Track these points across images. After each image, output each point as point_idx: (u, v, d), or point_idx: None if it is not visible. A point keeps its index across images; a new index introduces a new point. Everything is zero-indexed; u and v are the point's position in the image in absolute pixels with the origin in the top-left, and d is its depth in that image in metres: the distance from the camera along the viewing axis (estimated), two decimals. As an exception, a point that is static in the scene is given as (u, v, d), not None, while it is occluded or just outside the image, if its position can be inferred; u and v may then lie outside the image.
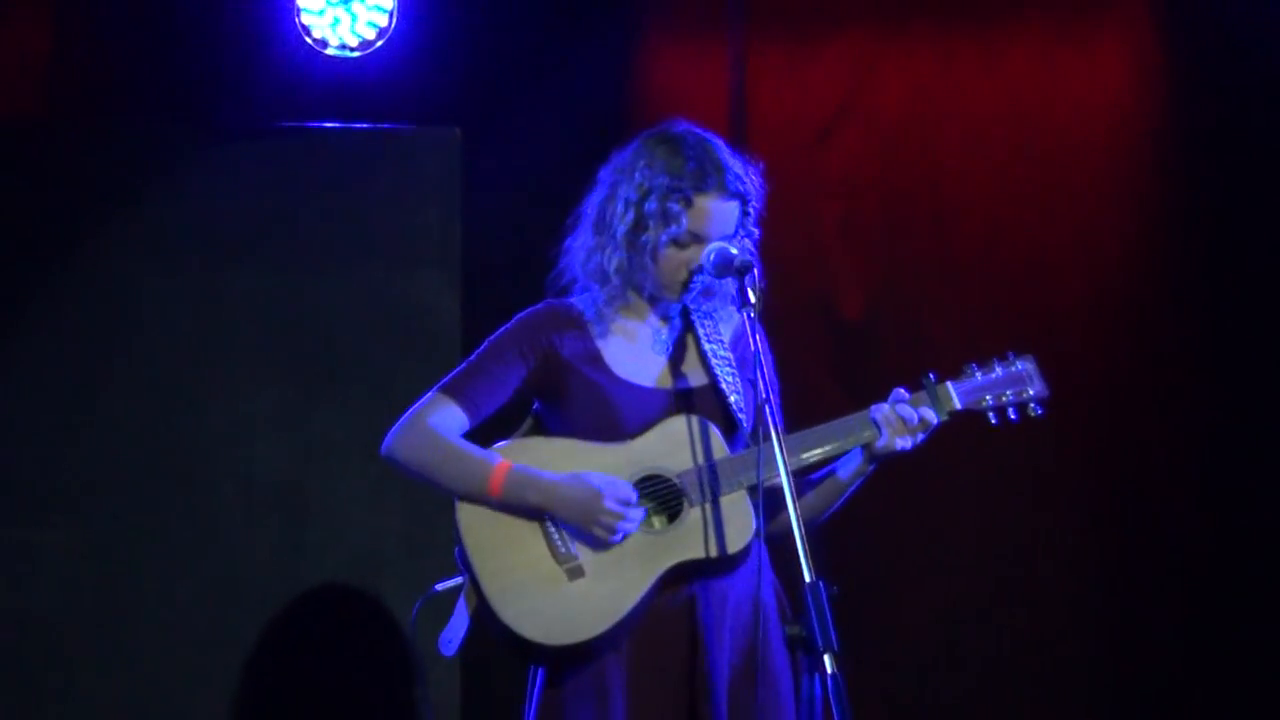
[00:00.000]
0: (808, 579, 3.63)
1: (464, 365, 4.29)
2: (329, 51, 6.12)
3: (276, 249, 5.91)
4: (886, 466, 4.21)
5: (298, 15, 6.10)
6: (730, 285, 4.18)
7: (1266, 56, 6.37)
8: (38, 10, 6.14)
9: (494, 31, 6.26)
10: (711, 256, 4.09)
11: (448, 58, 6.22)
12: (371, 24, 6.14)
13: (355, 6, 6.12)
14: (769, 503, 4.03)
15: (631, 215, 4.18)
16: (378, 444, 5.76)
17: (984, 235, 6.46)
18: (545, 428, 4.30)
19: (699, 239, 4.15)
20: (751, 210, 4.23)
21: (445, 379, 4.28)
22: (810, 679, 3.92)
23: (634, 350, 4.26)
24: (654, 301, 4.27)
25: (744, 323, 3.98)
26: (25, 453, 5.78)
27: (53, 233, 5.84)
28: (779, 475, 3.84)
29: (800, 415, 4.24)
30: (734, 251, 4.07)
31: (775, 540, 4.12)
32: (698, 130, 4.25)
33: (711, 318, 4.30)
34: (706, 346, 4.25)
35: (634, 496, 4.09)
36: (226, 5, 6.09)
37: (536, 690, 4.18)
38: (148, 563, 5.76)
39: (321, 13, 6.11)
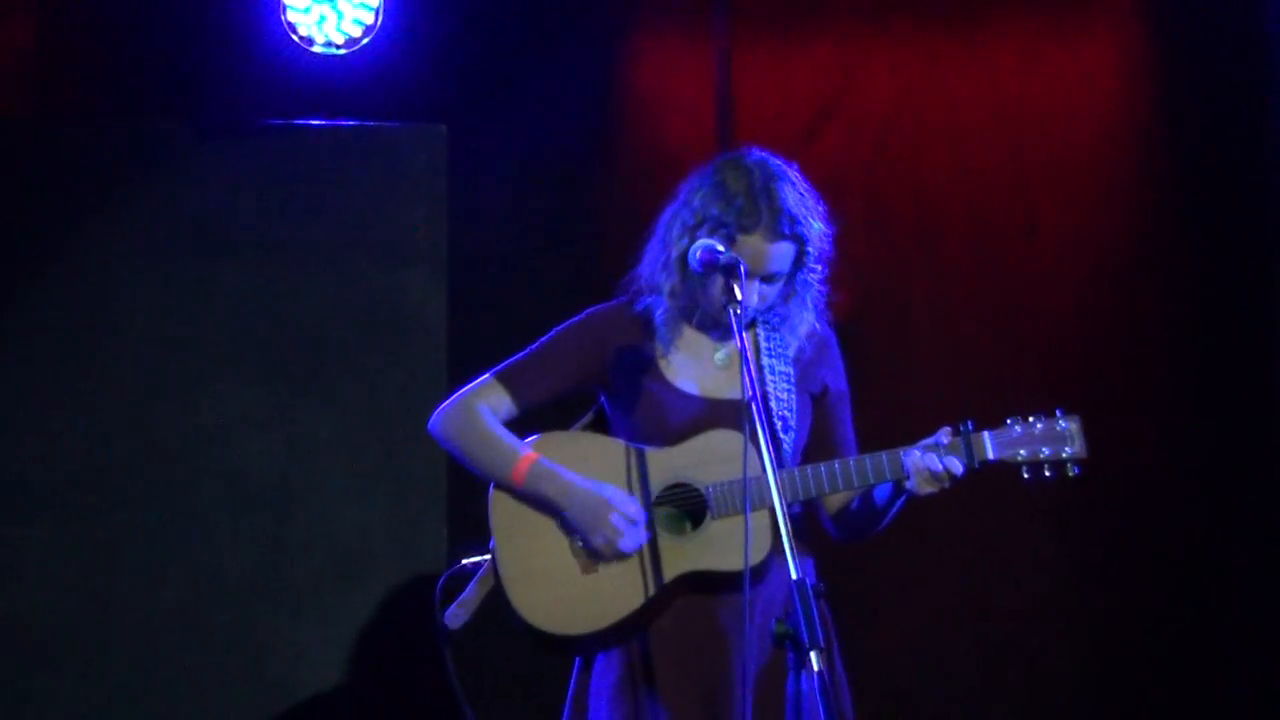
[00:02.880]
0: (794, 577, 3.64)
1: (525, 353, 4.35)
2: (315, 49, 6.12)
3: (262, 246, 5.90)
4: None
5: (284, 13, 6.09)
6: (805, 298, 4.28)
7: (1253, 51, 6.38)
8: (23, 9, 6.13)
9: (480, 29, 6.26)
10: (698, 254, 4.08)
11: (433, 55, 6.21)
12: (357, 21, 6.14)
13: (341, 4, 6.11)
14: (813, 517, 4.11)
15: (685, 242, 4.21)
16: (363, 440, 5.82)
17: (970, 233, 6.46)
18: (607, 420, 4.36)
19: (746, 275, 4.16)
20: (811, 250, 4.24)
21: (501, 365, 4.34)
22: (796, 676, 3.94)
23: (693, 359, 4.29)
24: (712, 319, 4.29)
25: (731, 321, 3.97)
26: (9, 450, 5.76)
27: (37, 230, 5.83)
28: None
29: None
30: (720, 249, 4.06)
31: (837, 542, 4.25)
32: (772, 162, 4.26)
33: (779, 329, 4.31)
34: (765, 361, 4.26)
35: (643, 519, 4.15)
36: (212, 3, 6.08)
37: (573, 676, 4.27)
38: (133, 560, 5.75)
39: (307, 10, 6.11)
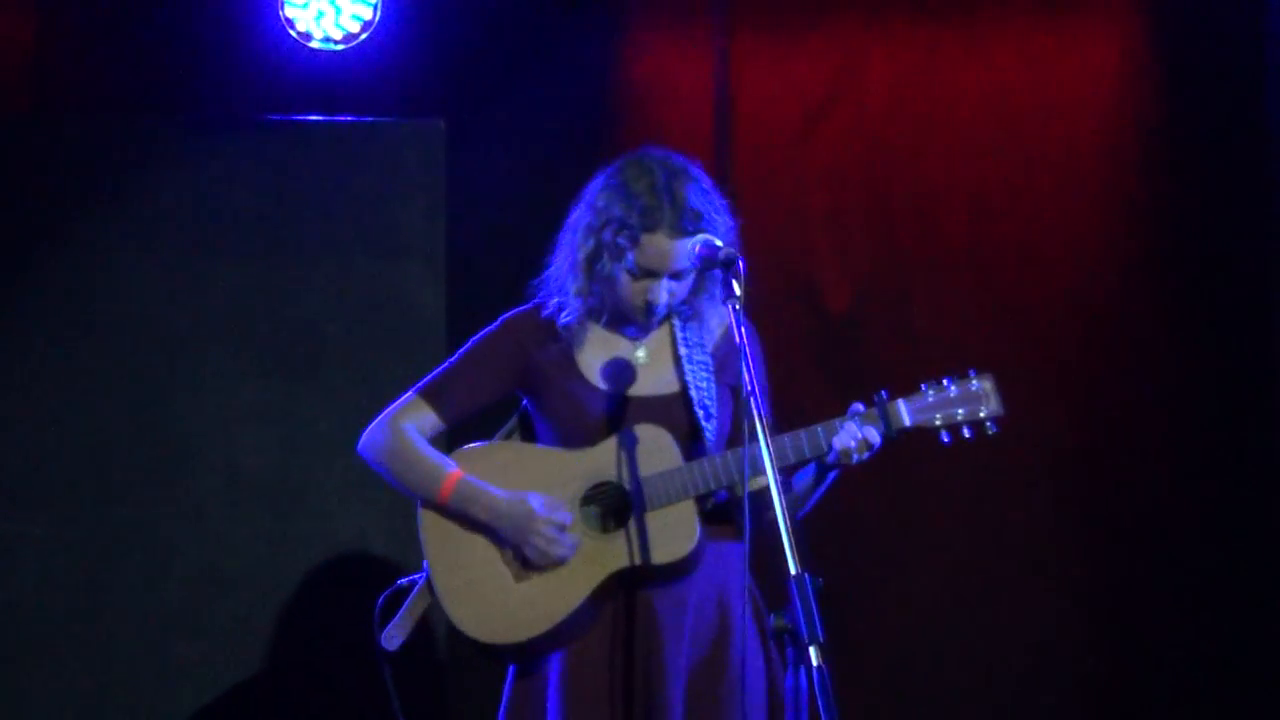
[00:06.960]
0: (793, 571, 3.63)
1: (443, 368, 4.38)
2: (313, 44, 6.12)
3: (261, 242, 5.91)
4: (876, 464, 4.21)
5: (282, 8, 6.10)
6: (715, 291, 4.27)
7: (1253, 46, 6.37)
8: (21, 3, 6.13)
9: (478, 24, 6.26)
10: (696, 249, 4.10)
11: (432, 51, 6.21)
12: (356, 17, 6.14)
13: (339, 0, 6.12)
14: (752, 505, 4.08)
15: (591, 243, 4.26)
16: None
17: (970, 226, 6.46)
18: (530, 424, 4.38)
19: (651, 274, 4.21)
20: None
21: (423, 381, 4.38)
22: (796, 671, 3.93)
23: (610, 358, 4.32)
24: (623, 317, 4.32)
25: (730, 316, 3.96)
26: (8, 445, 5.77)
27: (35, 225, 5.84)
28: (762, 477, 3.89)
29: (787, 408, 4.25)
30: (719, 244, 4.07)
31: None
32: (675, 159, 4.29)
33: (698, 320, 4.33)
34: (682, 352, 4.29)
35: (569, 520, 4.18)
36: (211, -2, 6.10)
37: (508, 683, 4.30)
38: (132, 555, 5.76)
39: (305, 6, 6.11)
